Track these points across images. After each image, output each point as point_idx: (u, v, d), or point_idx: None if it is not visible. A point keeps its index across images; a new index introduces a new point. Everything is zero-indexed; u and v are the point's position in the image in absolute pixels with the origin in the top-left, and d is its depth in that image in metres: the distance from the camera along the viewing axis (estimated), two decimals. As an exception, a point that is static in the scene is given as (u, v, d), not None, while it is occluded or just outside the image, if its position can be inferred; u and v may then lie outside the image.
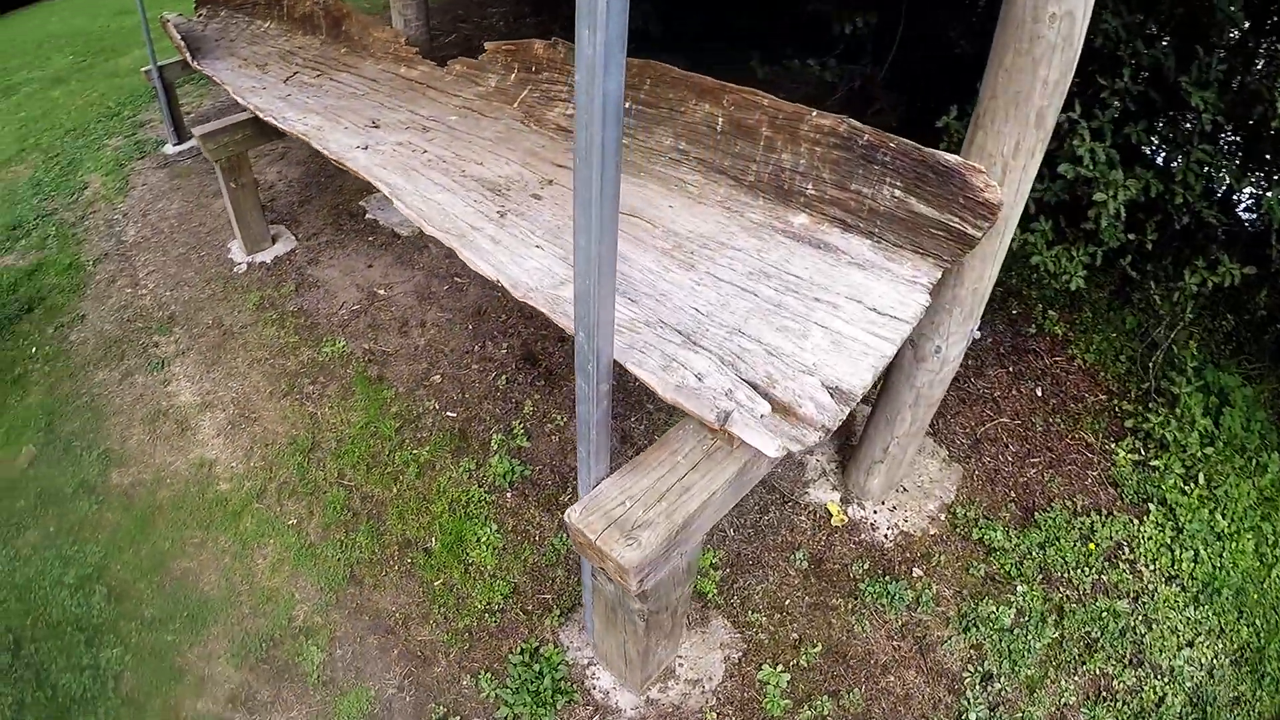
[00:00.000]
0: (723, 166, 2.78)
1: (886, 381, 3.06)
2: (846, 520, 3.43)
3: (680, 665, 2.99)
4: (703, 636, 3.05)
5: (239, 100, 4.10)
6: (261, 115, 3.85)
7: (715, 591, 3.26)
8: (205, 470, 4.07)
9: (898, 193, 2.31)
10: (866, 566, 3.32)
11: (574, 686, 3.03)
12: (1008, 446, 3.75)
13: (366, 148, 3.28)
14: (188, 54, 4.91)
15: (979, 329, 2.71)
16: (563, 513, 2.03)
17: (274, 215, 5.74)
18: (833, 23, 4.77)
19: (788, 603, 3.24)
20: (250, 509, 3.86)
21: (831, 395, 1.91)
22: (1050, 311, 4.32)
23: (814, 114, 2.49)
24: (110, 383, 4.62)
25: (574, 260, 1.60)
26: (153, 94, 6.48)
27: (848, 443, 3.70)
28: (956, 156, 2.16)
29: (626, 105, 3.13)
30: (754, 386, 1.97)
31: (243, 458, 4.10)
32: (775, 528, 3.48)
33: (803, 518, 3.50)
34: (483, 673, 3.12)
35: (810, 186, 2.53)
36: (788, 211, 2.57)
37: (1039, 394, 3.98)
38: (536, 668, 3.07)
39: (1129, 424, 3.77)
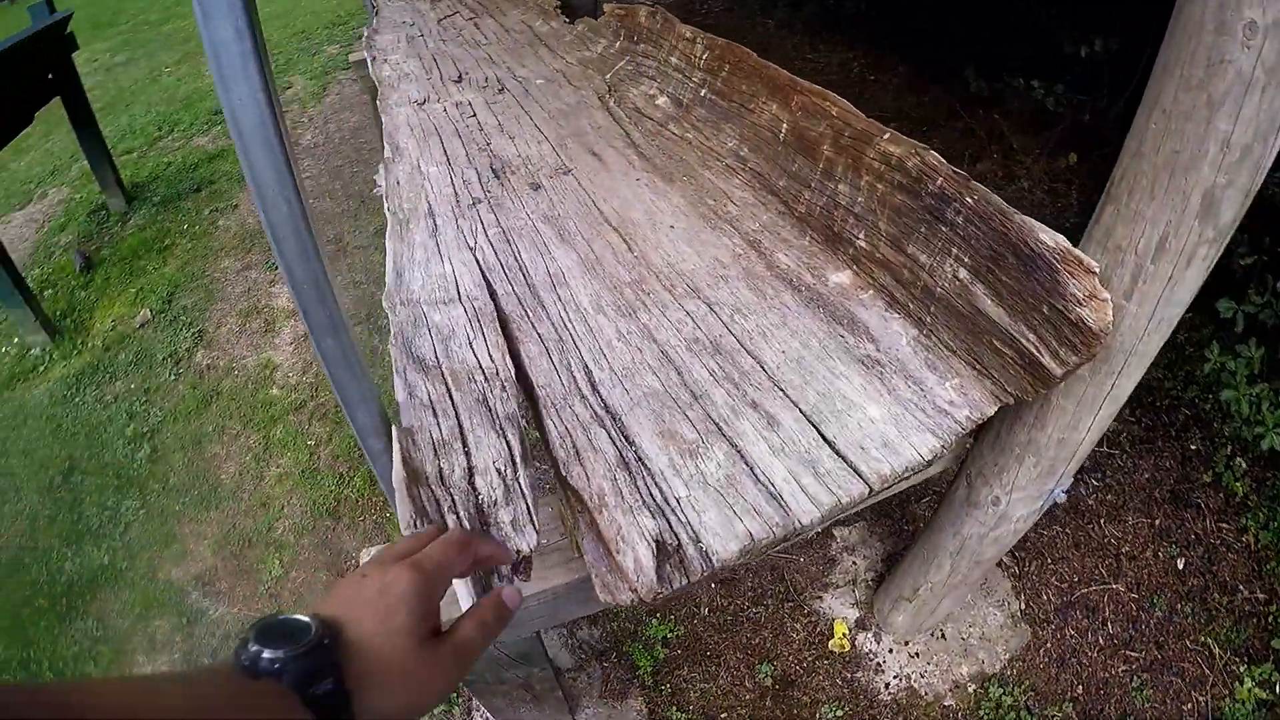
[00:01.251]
0: (776, 187, 2.03)
1: (935, 512, 2.21)
2: (849, 648, 2.58)
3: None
4: (611, 713, 2.43)
5: (366, 38, 3.84)
6: (367, 54, 3.55)
7: (649, 670, 2.56)
8: (267, 372, 3.97)
9: (962, 273, 1.47)
10: (841, 714, 2.46)
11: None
12: (1106, 624, 2.64)
13: (424, 102, 2.82)
14: (374, -23, 4.76)
15: (1065, 491, 1.78)
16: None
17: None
18: (1065, 42, 3.71)
19: (723, 717, 2.50)
20: (285, 419, 3.72)
21: (658, 556, 1.14)
22: (1239, 459, 3.06)
23: (885, 136, 1.67)
24: (230, 271, 4.68)
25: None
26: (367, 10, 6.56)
27: (900, 548, 2.83)
28: (1055, 237, 1.26)
29: (702, 93, 2.45)
30: (579, 498, 1.27)
31: (300, 371, 3.95)
32: (758, 624, 2.69)
33: (798, 624, 2.67)
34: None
35: (863, 236, 1.74)
36: (830, 263, 1.79)
37: (1180, 567, 2.81)
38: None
39: (1277, 645, 2.53)
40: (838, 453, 1.30)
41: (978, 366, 1.45)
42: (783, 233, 1.91)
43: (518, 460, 1.28)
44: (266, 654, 0.56)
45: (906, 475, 1.30)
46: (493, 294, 1.73)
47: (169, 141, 6.25)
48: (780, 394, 1.43)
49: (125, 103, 7.09)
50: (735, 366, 1.50)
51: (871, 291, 1.69)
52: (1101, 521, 2.91)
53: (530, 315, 1.68)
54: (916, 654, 2.55)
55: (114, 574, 3.31)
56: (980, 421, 1.40)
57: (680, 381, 1.47)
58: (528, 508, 1.21)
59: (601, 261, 1.84)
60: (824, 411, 1.38)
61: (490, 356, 1.52)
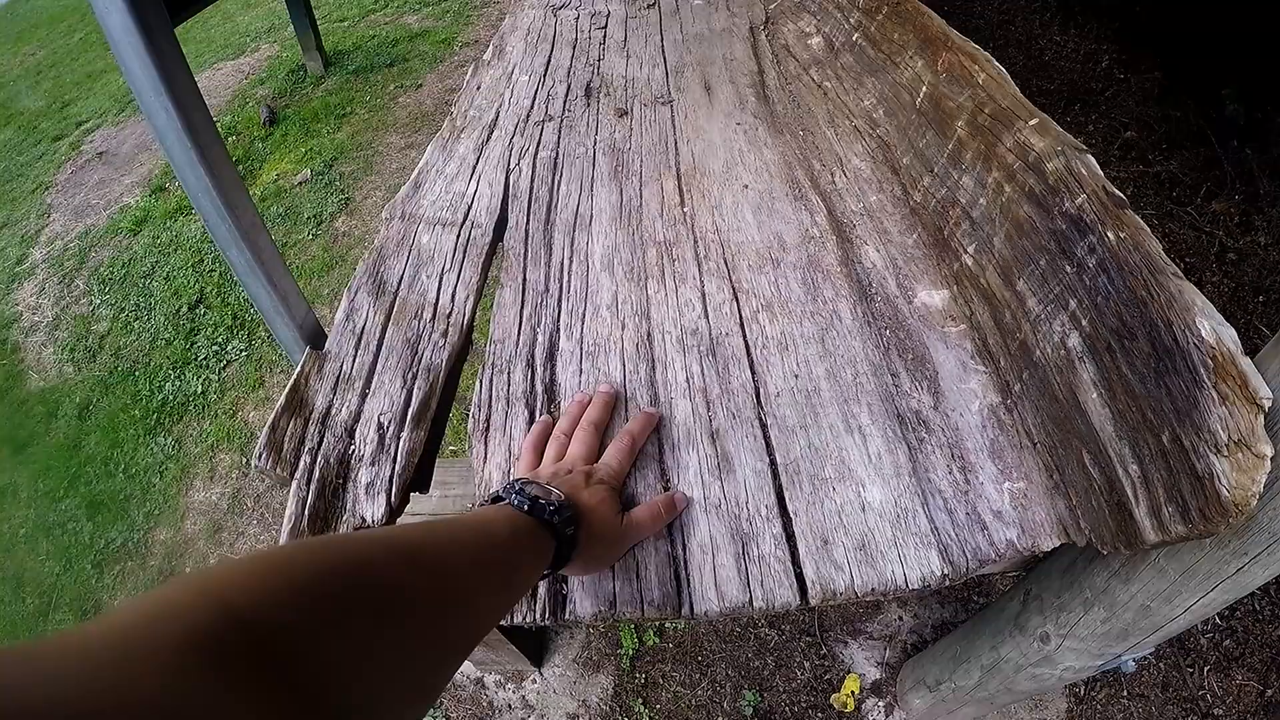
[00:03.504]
0: (899, 164, 1.59)
1: (981, 611, 1.74)
2: (851, 708, 2.19)
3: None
4: (577, 680, 2.25)
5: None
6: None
7: (630, 653, 2.36)
8: (391, 250, 4.10)
9: (1073, 340, 1.01)
10: (814, 792, 2.08)
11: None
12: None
13: (562, 8, 2.56)
14: None
15: (1136, 660, 1.29)
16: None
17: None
18: None
19: (688, 732, 2.21)
20: None
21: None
22: None
23: (1032, 122, 1.19)
24: (394, 147, 4.79)
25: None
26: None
27: (959, 620, 2.37)
28: (1221, 328, 0.80)
29: (854, 38, 1.99)
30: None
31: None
32: (765, 647, 2.34)
33: (808, 663, 2.30)
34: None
35: (973, 250, 1.29)
36: (926, 274, 1.35)
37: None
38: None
39: None
40: (788, 536, 0.96)
41: (1055, 475, 1.02)
42: (886, 222, 1.49)
43: (408, 418, 1.09)
44: (542, 502, 0.75)
45: (870, 597, 0.94)
46: (500, 224, 1.50)
47: (380, 16, 6.51)
48: (757, 431, 1.08)
49: (349, -30, 7.48)
50: (721, 379, 1.16)
51: (964, 327, 1.27)
52: (1205, 669, 2.25)
53: (528, 256, 1.42)
54: (930, 754, 2.12)
55: (203, 404, 3.59)
56: (1027, 555, 0.98)
57: (647, 378, 1.16)
58: (391, 474, 1.03)
59: (642, 211, 1.53)
60: (803, 473, 1.03)
61: (452, 295, 1.30)
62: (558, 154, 1.71)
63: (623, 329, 1.25)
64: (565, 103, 1.93)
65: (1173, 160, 4.11)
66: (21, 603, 3.12)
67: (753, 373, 1.17)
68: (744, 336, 1.23)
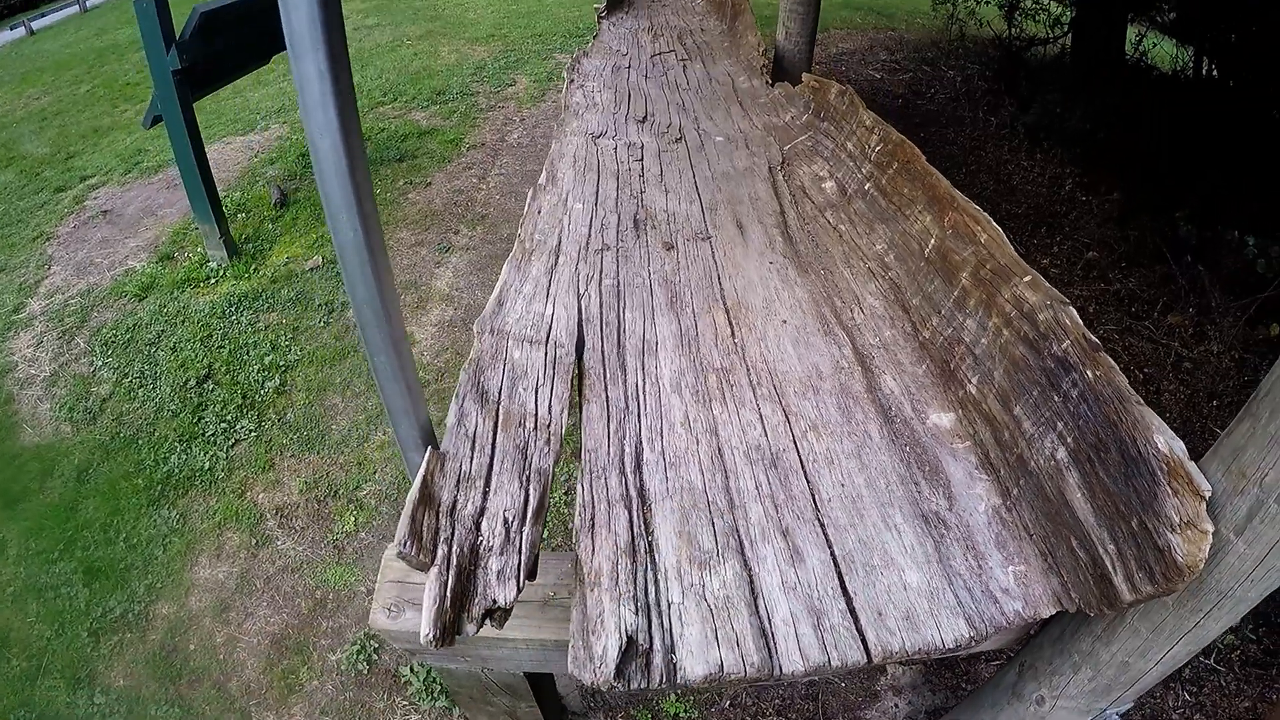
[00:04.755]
0: (909, 304, 1.99)
1: (979, 688, 2.04)
2: None
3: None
4: None
5: (571, 60, 4.17)
6: (567, 75, 3.86)
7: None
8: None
9: (1061, 453, 1.38)
10: None
11: None
12: None
13: (599, 136, 3.01)
14: (605, 6, 5.17)
15: (1119, 714, 1.60)
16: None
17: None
18: None
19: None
20: None
21: (625, 652, 1.18)
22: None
23: (1026, 279, 1.59)
24: (404, 243, 5.16)
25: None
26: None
27: (950, 704, 2.64)
28: (1172, 443, 1.17)
29: (866, 187, 2.45)
30: (580, 569, 1.31)
31: (435, 352, 4.30)
32: (791, 700, 2.63)
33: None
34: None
35: (976, 381, 1.67)
36: (936, 400, 1.73)
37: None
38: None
39: None
40: (851, 610, 1.27)
41: (1049, 559, 1.36)
42: (900, 355, 1.88)
43: (529, 514, 1.35)
44: None
45: (919, 656, 1.25)
46: (580, 346, 1.83)
47: (389, 109, 7.04)
48: (818, 529, 1.41)
49: (361, 63, 8.07)
50: (785, 487, 1.49)
51: (968, 443, 1.64)
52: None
53: (607, 376, 1.75)
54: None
55: (210, 480, 3.75)
56: (1031, 621, 1.31)
57: (723, 486, 1.49)
58: (519, 564, 1.27)
59: (700, 340, 1.89)
60: (857, 562, 1.35)
61: (549, 407, 1.60)
62: (619, 283, 2.08)
63: (697, 444, 1.58)
64: (618, 233, 2.32)
65: (1131, 278, 4.70)
66: (6, 663, 3.12)
67: (808, 482, 1.50)
68: (798, 453, 1.57)
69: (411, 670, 2.83)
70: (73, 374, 4.42)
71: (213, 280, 4.99)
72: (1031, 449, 1.46)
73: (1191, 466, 1.15)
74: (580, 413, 1.65)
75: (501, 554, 1.29)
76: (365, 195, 1.06)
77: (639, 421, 1.64)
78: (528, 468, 1.46)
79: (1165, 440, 1.19)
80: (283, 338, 4.45)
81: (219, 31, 4.63)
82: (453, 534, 1.30)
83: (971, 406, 1.67)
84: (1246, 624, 2.72)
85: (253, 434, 3.94)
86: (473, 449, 1.48)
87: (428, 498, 1.35)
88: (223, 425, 3.99)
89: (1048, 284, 1.59)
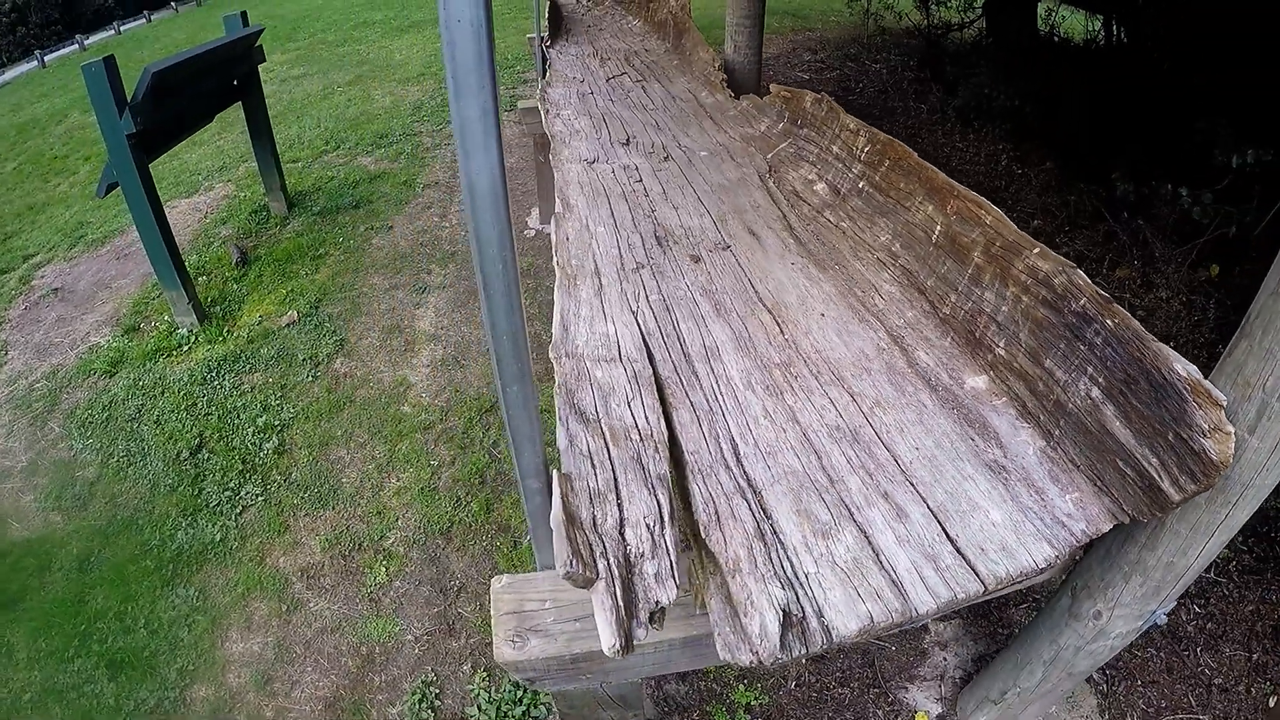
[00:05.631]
0: (924, 285, 2.30)
1: (1035, 618, 2.35)
2: None
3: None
4: None
5: (540, 89, 4.42)
6: (540, 105, 4.10)
7: None
8: (401, 390, 4.48)
9: (1095, 392, 1.69)
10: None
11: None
12: (1196, 764, 2.69)
13: (594, 162, 3.28)
14: (546, 35, 5.44)
15: (1166, 613, 1.92)
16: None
17: (578, 196, 6.15)
18: (1217, 150, 3.84)
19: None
20: (412, 436, 4.18)
21: (784, 626, 1.37)
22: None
23: (1035, 251, 1.91)
24: (378, 289, 5.30)
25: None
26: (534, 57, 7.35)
27: (992, 650, 2.95)
28: (1188, 367, 1.48)
29: (860, 185, 2.77)
30: (714, 560, 1.51)
31: (434, 393, 4.45)
32: (842, 705, 2.85)
33: (880, 712, 2.81)
34: (482, 672, 3.12)
35: (1003, 344, 1.98)
36: (968, 366, 2.03)
37: (1271, 704, 2.79)
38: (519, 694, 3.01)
39: None
40: (959, 551, 1.54)
41: (1099, 483, 1.66)
42: (925, 331, 2.18)
43: (665, 518, 1.53)
44: None
45: (1020, 580, 1.53)
46: (651, 358, 2.06)
47: (334, 157, 7.18)
48: (911, 489, 1.68)
49: (296, 114, 8.20)
50: (871, 457, 1.76)
51: (1005, 399, 1.93)
52: (1198, 650, 2.94)
53: (684, 383, 1.99)
54: (1000, 769, 2.65)
55: (223, 551, 3.78)
56: (1095, 536, 1.61)
57: (819, 465, 1.75)
58: (671, 564, 1.44)
59: (754, 340, 2.16)
60: (950, 510, 1.62)
61: (646, 418, 1.82)
62: (664, 297, 2.33)
63: (784, 432, 1.83)
64: (645, 251, 2.58)
65: (1077, 240, 5.20)
66: (41, 782, 3.07)
67: (889, 450, 1.77)
68: (872, 427, 1.84)
69: (479, 708, 2.98)
70: (52, 461, 4.40)
71: (185, 347, 5.03)
72: (1067, 393, 1.76)
73: (1208, 384, 1.46)
74: (669, 420, 1.86)
75: (653, 557, 1.46)
76: (510, 230, 1.12)
77: (726, 420, 1.88)
78: (649, 476, 1.65)
79: (1183, 366, 1.50)
80: (272, 397, 4.53)
81: (171, 91, 4.68)
82: (605, 547, 1.46)
83: (1003, 367, 1.97)
84: (1236, 537, 3.12)
85: (260, 498, 4.01)
86: (593, 467, 1.66)
87: (571, 516, 1.50)
88: (226, 493, 4.03)
89: (1054, 253, 1.91)
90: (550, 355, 2.05)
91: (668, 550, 1.47)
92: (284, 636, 3.39)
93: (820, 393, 1.96)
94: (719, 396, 1.95)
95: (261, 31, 5.76)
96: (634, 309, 2.27)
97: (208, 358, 4.88)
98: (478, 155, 0.98)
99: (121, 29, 23.32)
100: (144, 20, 24.20)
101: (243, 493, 4.03)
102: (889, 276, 2.40)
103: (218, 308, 5.33)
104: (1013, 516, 1.62)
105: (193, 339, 5.08)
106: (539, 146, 5.03)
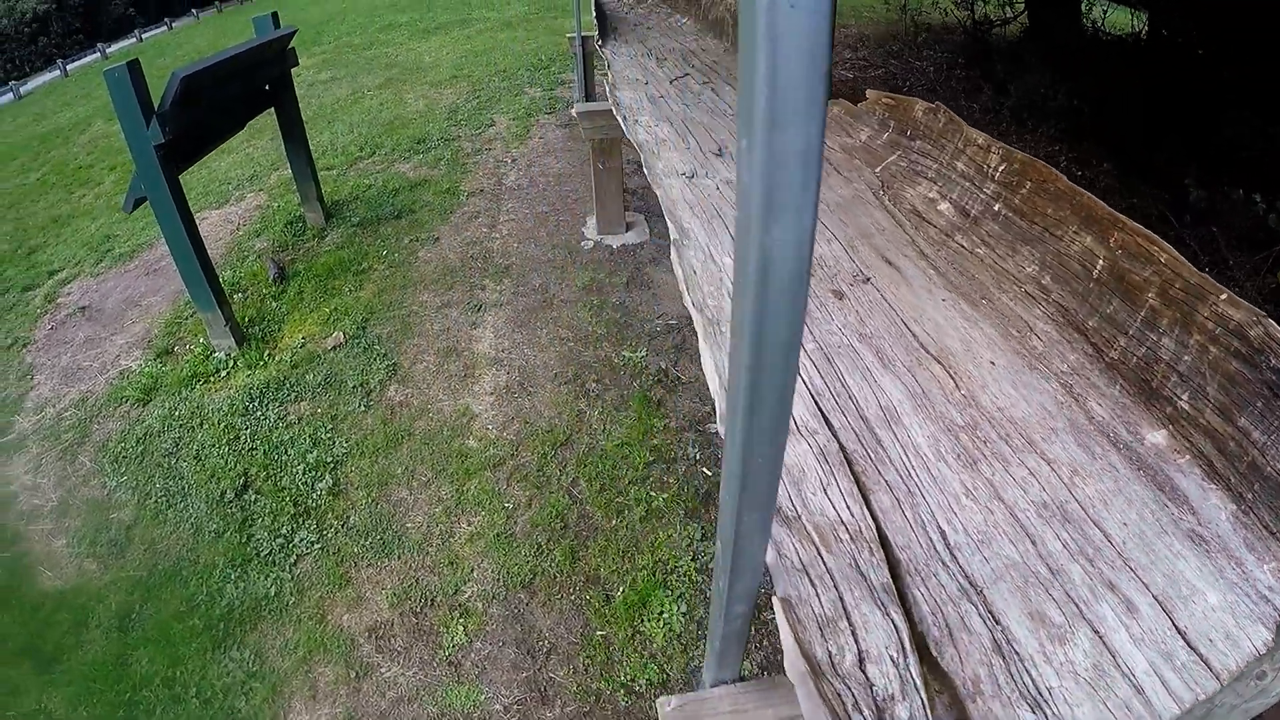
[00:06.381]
0: (1084, 326, 2.21)
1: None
2: None
3: None
4: None
5: (609, 93, 4.34)
6: (615, 112, 4.02)
7: None
8: (465, 421, 4.32)
9: (1306, 459, 1.62)
10: None
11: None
12: None
13: (692, 176, 3.19)
14: (598, 34, 5.39)
15: None
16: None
17: (639, 204, 5.99)
18: None
19: None
20: (481, 475, 4.00)
21: None
22: None
23: (1223, 296, 1.80)
24: (430, 306, 5.19)
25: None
26: (574, 57, 7.28)
27: None
28: None
29: (995, 208, 2.68)
30: (946, 680, 1.39)
31: (501, 424, 4.28)
32: None
33: None
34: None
35: (1186, 397, 1.89)
36: (1144, 419, 1.94)
37: None
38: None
39: None
40: (1189, 645, 1.44)
41: (1298, 551, 1.57)
42: (1091, 378, 2.08)
43: (907, 644, 1.42)
44: None
45: (1243, 673, 1.44)
46: (830, 426, 1.96)
47: (369, 163, 7.10)
48: (1132, 574, 1.58)
49: (327, 119, 8.14)
50: (1086, 539, 1.66)
51: (1189, 457, 1.84)
52: None
53: (872, 457, 1.88)
54: None
55: (279, 607, 3.56)
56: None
57: (1035, 553, 1.64)
58: (923, 702, 1.33)
59: (929, 397, 2.06)
60: (1172, 597, 1.53)
61: (849, 509, 1.71)
62: (820, 345, 2.24)
63: (990, 514, 1.73)
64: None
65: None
66: None
67: (1099, 528, 1.68)
68: (1077, 500, 1.75)
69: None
70: (85, 500, 4.22)
71: (223, 373, 4.88)
72: (1266, 455, 1.67)
73: None
74: (868, 505, 1.74)
75: (904, 698, 1.36)
76: (802, 329, 0.79)
77: (927, 501, 1.77)
78: (874, 589, 1.54)
79: None
80: (322, 430, 4.37)
81: (201, 96, 4.52)
82: (854, 696, 1.35)
83: (1185, 422, 1.88)
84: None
85: (316, 546, 3.80)
86: (812, 584, 1.55)
87: (812, 663, 1.40)
88: (278, 541, 3.83)
89: (1244, 300, 1.82)
90: (722, 432, 1.93)
91: (916, 687, 1.36)
92: (355, 707, 3.18)
93: (1016, 461, 1.85)
94: (912, 472, 1.85)
95: (294, 33, 5.69)
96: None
97: (249, 384, 4.72)
98: (787, 217, 0.64)
99: (143, 36, 23.76)
100: (165, 27, 24.89)
101: (296, 539, 3.82)
102: (1041, 313, 2.31)
103: (256, 328, 5.20)
104: (1226, 597, 1.52)
105: (231, 363, 4.93)
106: (598, 153, 4.94)
